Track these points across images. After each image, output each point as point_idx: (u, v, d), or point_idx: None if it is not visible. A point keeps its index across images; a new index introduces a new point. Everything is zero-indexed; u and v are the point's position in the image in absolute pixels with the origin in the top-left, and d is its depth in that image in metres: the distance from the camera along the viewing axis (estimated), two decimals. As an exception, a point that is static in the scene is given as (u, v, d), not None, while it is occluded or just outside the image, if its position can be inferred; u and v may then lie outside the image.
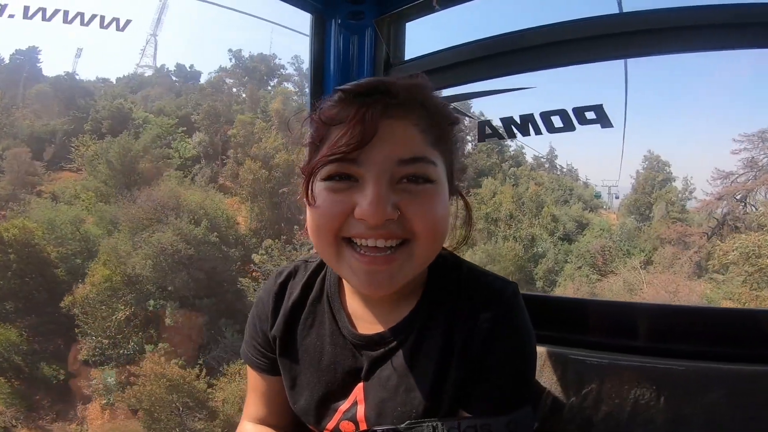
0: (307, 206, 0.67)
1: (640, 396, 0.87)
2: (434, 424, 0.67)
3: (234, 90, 25.30)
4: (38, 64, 23.31)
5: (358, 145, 0.61)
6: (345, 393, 0.75)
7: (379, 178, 0.62)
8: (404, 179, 0.63)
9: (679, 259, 19.66)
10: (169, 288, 15.89)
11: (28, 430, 13.59)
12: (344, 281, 0.78)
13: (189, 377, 13.86)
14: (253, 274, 15.94)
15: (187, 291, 16.07)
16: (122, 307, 15.33)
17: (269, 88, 24.83)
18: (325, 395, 0.76)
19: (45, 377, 14.51)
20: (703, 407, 0.83)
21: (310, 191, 0.65)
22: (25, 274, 15.46)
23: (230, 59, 25.93)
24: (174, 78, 25.97)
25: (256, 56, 26.41)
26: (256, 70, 25.64)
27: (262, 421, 0.87)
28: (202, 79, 24.60)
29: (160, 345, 15.36)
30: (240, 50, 26.09)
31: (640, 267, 19.39)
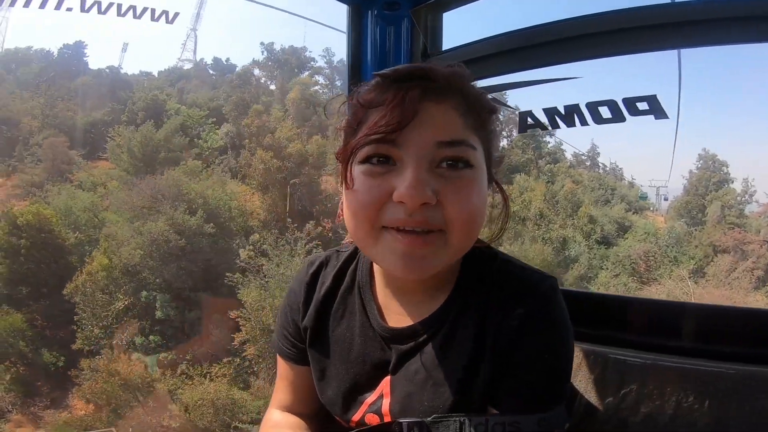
0: (344, 191, 0.67)
1: (683, 398, 0.85)
2: (461, 420, 0.66)
3: (262, 81, 26.15)
4: (84, 58, 24.26)
5: (397, 126, 0.61)
6: (372, 386, 0.75)
7: (419, 160, 0.62)
8: (443, 163, 0.63)
9: (735, 269, 17.65)
10: (158, 280, 15.30)
11: (21, 416, 13.42)
12: (376, 273, 0.77)
13: (151, 377, 13.20)
14: (263, 267, 15.00)
15: (180, 283, 15.37)
16: (122, 297, 14.91)
17: (311, 82, 25.71)
18: (353, 387, 0.76)
19: (45, 364, 14.34)
20: (749, 412, 0.81)
21: (349, 174, 0.65)
22: (40, 260, 15.49)
23: (262, 52, 26.69)
24: (211, 71, 26.58)
25: (288, 49, 26.80)
26: (287, 63, 25.94)
27: (289, 409, 0.89)
28: (237, 72, 25.65)
29: (151, 338, 14.87)
30: (272, 43, 26.40)
31: (689, 277, 17.40)
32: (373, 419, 0.74)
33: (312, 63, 26.87)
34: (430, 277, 0.67)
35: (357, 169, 0.65)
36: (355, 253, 0.82)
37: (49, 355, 14.39)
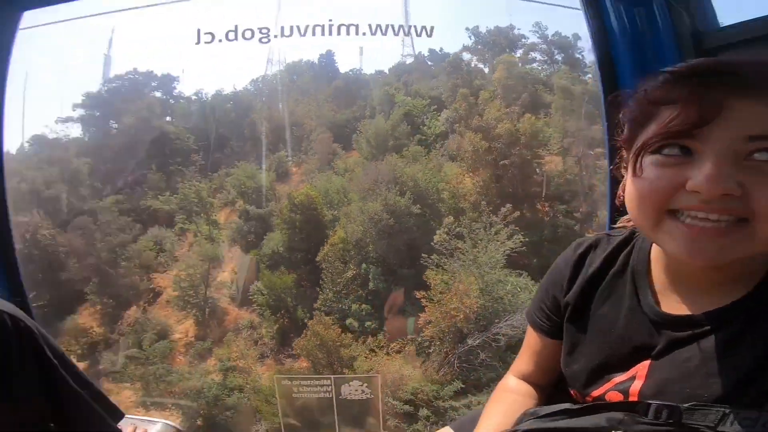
0: (630, 176, 0.68)
1: None
2: (725, 411, 0.63)
3: (473, 65, 26.18)
4: (335, 65, 28.87)
5: (692, 127, 0.59)
6: (625, 367, 0.75)
7: (721, 152, 0.59)
8: (755, 155, 0.59)
9: None
10: (372, 255, 16.97)
11: (272, 361, 16.46)
12: (654, 259, 0.77)
13: (343, 341, 14.42)
14: (458, 250, 14.89)
15: (389, 259, 16.72)
16: (352, 267, 17.08)
17: (517, 59, 24.67)
18: (603, 365, 0.78)
19: (298, 319, 17.10)
20: None
21: (638, 164, 0.65)
22: (309, 232, 18.86)
23: (469, 37, 26.76)
24: (429, 62, 27.53)
25: (493, 30, 25.45)
26: (496, 44, 24.73)
27: (526, 378, 0.96)
28: (448, 60, 26.95)
29: (363, 306, 16.39)
30: (477, 27, 26.16)
31: None
32: (615, 396, 0.75)
33: (522, 40, 25.17)
34: (721, 267, 0.64)
35: (647, 159, 0.65)
36: (629, 239, 0.83)
37: (301, 311, 17.23)
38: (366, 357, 14.61)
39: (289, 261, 19.01)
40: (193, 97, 27.51)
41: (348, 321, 16.03)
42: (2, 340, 0.85)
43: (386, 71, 28.51)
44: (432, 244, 15.58)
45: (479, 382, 13.41)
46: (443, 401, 13.24)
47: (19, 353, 0.87)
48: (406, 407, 13.16)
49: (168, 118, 26.23)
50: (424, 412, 13.03)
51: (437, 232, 16.03)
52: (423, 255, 15.30)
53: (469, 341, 13.59)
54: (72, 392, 0.96)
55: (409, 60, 28.43)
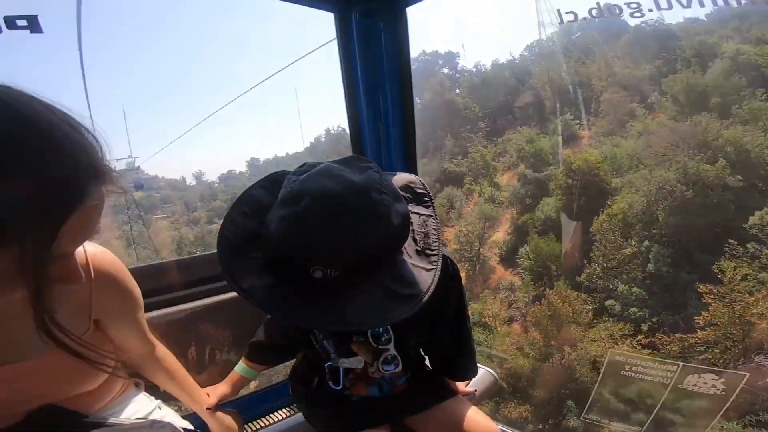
0: None
1: None
2: None
3: None
4: (621, 18, 27.70)
5: None
6: None
7: None
8: None
9: None
10: (655, 231, 14.43)
11: (519, 326, 16.34)
12: None
13: (578, 319, 12.95)
14: None
15: (683, 239, 13.93)
16: (633, 243, 15.05)
17: None
18: None
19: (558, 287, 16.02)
20: None
21: None
22: (587, 200, 17.78)
23: None
24: None
25: None
26: None
27: None
28: None
29: (634, 289, 14.19)
30: None
31: None
32: None
33: None
34: None
35: None
36: None
37: (561, 282, 16.18)
38: (599, 342, 12.98)
39: (561, 228, 18.39)
40: (474, 70, 30.11)
41: (608, 302, 14.39)
42: (444, 279, 1.08)
43: (702, 17, 23.29)
44: (745, 226, 12.64)
45: (747, 407, 10.26)
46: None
47: (452, 289, 1.13)
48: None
49: (457, 91, 29.71)
50: (638, 416, 10.86)
51: (756, 212, 12.68)
52: (730, 240, 12.53)
53: (758, 358, 10.77)
54: (467, 329, 1.22)
55: (734, 4, 22.07)
